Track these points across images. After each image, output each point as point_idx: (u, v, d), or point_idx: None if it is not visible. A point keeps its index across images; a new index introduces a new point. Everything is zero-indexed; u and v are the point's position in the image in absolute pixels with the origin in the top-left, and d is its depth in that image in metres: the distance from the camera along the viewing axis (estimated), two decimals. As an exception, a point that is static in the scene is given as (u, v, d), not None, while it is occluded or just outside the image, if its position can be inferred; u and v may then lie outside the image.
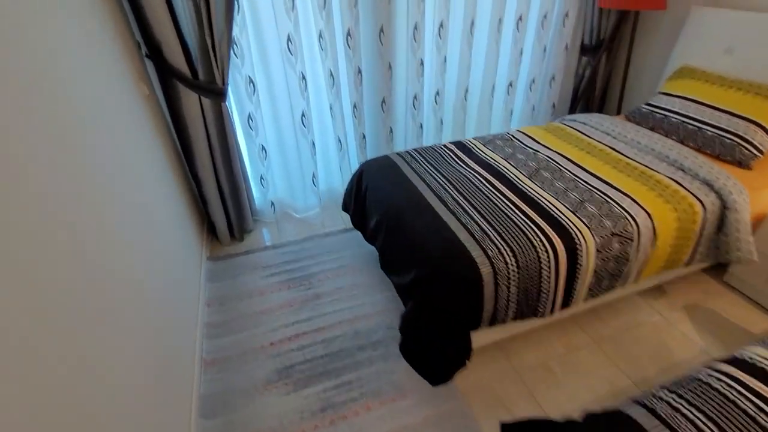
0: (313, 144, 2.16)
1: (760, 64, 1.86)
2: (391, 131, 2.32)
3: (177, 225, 1.70)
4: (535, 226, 1.37)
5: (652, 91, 2.44)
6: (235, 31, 1.79)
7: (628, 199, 1.51)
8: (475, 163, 1.79)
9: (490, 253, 1.27)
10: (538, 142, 1.97)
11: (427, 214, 1.47)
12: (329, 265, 2.04)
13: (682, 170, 1.69)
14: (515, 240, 1.32)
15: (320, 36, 1.92)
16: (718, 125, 1.82)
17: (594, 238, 1.36)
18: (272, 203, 2.30)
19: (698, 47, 2.09)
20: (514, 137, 2.03)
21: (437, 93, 2.31)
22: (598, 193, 1.56)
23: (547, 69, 2.50)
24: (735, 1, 1.97)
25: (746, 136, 1.74)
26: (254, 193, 2.28)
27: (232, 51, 1.81)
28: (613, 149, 1.86)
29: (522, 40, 2.31)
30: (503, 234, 1.34)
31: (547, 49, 2.41)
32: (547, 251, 1.30)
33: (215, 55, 1.71)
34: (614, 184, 1.60)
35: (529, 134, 2.05)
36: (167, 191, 1.67)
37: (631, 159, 1.78)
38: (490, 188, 1.59)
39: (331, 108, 2.13)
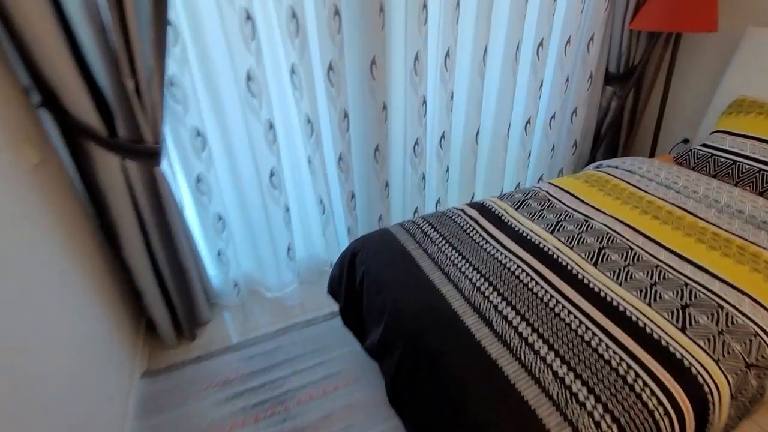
0: (287, 208, 1.65)
1: None
2: (387, 185, 1.84)
3: (89, 336, 1.15)
4: (637, 364, 0.88)
5: (692, 128, 2.05)
6: (173, 69, 1.29)
7: (747, 299, 1.05)
8: (512, 239, 1.30)
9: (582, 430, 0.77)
10: (583, 202, 1.51)
11: (463, 340, 0.96)
12: (313, 375, 1.49)
13: (792, 242, 1.25)
14: (616, 399, 0.82)
15: (292, 71, 1.44)
16: (814, 176, 1.41)
17: (726, 378, 0.88)
18: (235, 283, 1.75)
19: (757, 76, 1.71)
20: (549, 195, 1.56)
21: (443, 136, 1.85)
22: (700, 288, 1.09)
23: (569, 102, 2.09)
24: None
25: None
26: (211, 272, 1.74)
27: (167, 95, 1.30)
28: (684, 209, 1.42)
29: (543, 70, 1.89)
30: (594, 387, 0.84)
31: (570, 78, 2.00)
32: (668, 413, 0.80)
33: (141, 103, 1.19)
34: (714, 271, 1.14)
35: (567, 189, 1.60)
36: (72, 291, 1.13)
37: (715, 225, 1.34)
38: (547, 288, 1.10)
39: (309, 162, 1.63)
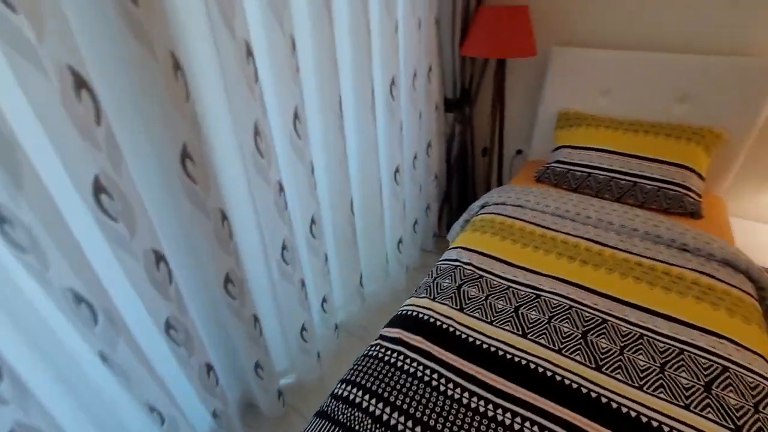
0: None
1: (638, 103, 1.72)
2: (257, 321, 1.19)
3: None
4: None
5: (526, 141, 2.17)
6: None
7: (712, 337, 0.98)
8: (493, 370, 0.92)
9: None
10: (510, 264, 1.28)
11: None
12: None
13: (686, 249, 1.31)
14: None
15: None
16: (654, 176, 1.56)
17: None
18: None
19: (567, 90, 1.87)
20: (475, 267, 1.26)
21: (312, 221, 1.32)
22: (685, 347, 0.97)
23: (423, 137, 1.88)
24: (600, 40, 1.80)
25: (686, 184, 1.53)
26: None
27: None
28: (595, 242, 1.36)
29: (398, 110, 1.58)
30: None
31: (423, 113, 1.78)
32: None
33: None
34: (672, 315, 1.06)
35: (483, 251, 1.34)
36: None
37: (629, 253, 1.31)
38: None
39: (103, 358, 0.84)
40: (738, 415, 0.82)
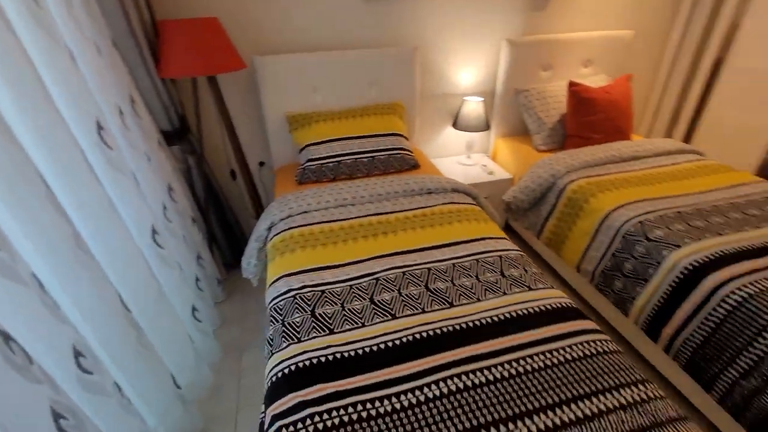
0: None
1: (343, 93, 2.05)
2: None
3: None
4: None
5: (267, 153, 2.16)
6: None
7: (481, 241, 1.41)
8: (395, 362, 0.95)
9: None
10: (340, 266, 1.30)
11: None
12: None
13: (431, 192, 1.73)
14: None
15: None
16: (380, 148, 1.94)
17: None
18: None
19: (284, 94, 1.96)
20: (312, 287, 1.20)
21: (77, 354, 0.86)
22: (477, 256, 1.33)
23: (161, 181, 1.53)
24: (299, 45, 1.94)
25: (401, 146, 1.99)
26: None
27: None
28: (379, 214, 1.58)
29: (122, 158, 1.20)
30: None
31: (150, 155, 1.42)
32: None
33: None
34: (457, 240, 1.42)
35: (308, 268, 1.29)
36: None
37: (403, 211, 1.60)
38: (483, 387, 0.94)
39: None
40: (525, 279, 1.23)
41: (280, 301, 1.18)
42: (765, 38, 2.19)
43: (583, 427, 0.82)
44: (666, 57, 2.61)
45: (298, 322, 1.09)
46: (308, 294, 1.19)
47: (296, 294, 1.19)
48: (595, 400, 0.87)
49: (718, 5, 2.34)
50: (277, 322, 1.12)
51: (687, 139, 2.67)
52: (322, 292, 1.19)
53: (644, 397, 0.88)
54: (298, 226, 1.51)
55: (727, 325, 1.20)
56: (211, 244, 2.02)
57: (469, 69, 2.30)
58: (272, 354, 1.04)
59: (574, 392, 0.89)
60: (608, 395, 0.88)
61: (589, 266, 1.70)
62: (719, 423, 1.29)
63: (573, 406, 0.86)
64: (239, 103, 2.00)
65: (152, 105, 1.60)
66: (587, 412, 0.85)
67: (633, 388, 0.90)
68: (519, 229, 2.31)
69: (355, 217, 1.56)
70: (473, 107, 2.23)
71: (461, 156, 2.51)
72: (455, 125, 2.32)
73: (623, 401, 0.87)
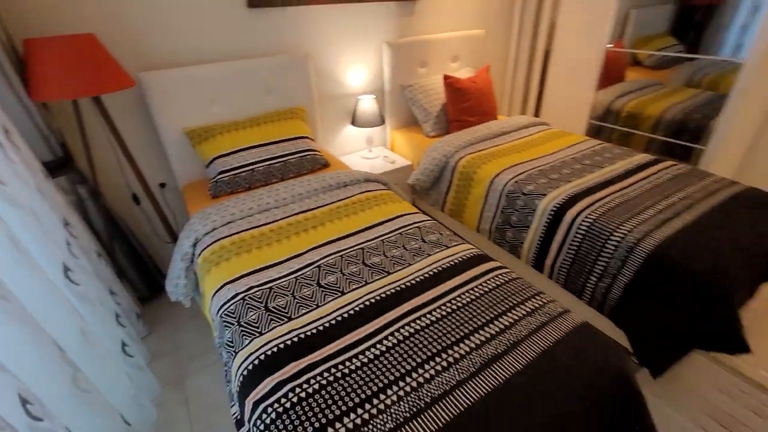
0: None
1: (242, 102, 2.06)
2: None
3: None
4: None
5: (169, 173, 2.05)
6: None
7: (398, 219, 1.62)
8: (352, 329, 1.08)
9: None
10: (279, 263, 1.37)
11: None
12: None
13: (347, 185, 1.89)
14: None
15: None
16: (289, 152, 2.01)
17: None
18: None
19: (179, 109, 1.90)
20: (258, 287, 1.26)
21: (24, 402, 0.81)
22: (400, 230, 1.53)
23: (57, 215, 1.39)
24: (186, 58, 1.88)
25: (309, 147, 2.10)
26: None
27: None
28: (304, 212, 1.68)
29: (17, 194, 1.08)
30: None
31: (41, 189, 1.28)
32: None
33: None
34: (379, 221, 1.61)
35: (248, 271, 1.34)
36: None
37: (326, 204, 1.72)
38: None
39: None
40: (441, 241, 1.47)
41: (230, 306, 1.22)
42: (573, 33, 2.85)
43: (504, 336, 1.07)
44: (510, 51, 3.19)
45: (254, 320, 1.15)
46: (257, 293, 1.24)
47: (245, 296, 1.24)
48: (508, 314, 1.14)
49: (540, 7, 2.96)
50: (233, 325, 1.16)
51: (537, 113, 3.31)
52: (270, 288, 1.26)
53: (540, 303, 1.18)
54: (227, 236, 1.52)
55: (584, 245, 1.61)
56: (121, 278, 1.86)
57: (358, 70, 2.50)
58: (236, 354, 1.09)
59: (493, 314, 1.14)
60: (516, 309, 1.16)
61: (485, 225, 2.05)
62: (593, 321, 1.72)
63: (493, 323, 1.11)
64: (130, 122, 1.87)
65: (29, 134, 1.43)
66: (505, 324, 1.11)
67: (532, 300, 1.20)
68: (425, 207, 2.61)
69: (282, 218, 1.63)
70: (367, 105, 2.44)
71: (363, 151, 2.71)
72: (354, 123, 2.51)
73: (527, 310, 1.15)
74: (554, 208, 1.71)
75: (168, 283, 1.65)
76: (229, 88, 1.99)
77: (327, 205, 1.72)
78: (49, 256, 1.14)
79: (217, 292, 1.30)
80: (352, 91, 2.54)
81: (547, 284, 1.84)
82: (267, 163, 1.94)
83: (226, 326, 1.17)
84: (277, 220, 1.62)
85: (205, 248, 1.50)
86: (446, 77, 2.48)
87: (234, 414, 1.11)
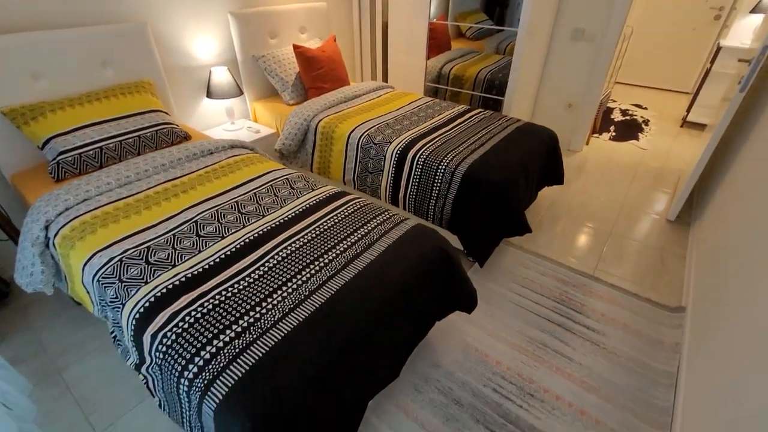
0: None
1: (73, 77, 1.89)
2: None
3: None
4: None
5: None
6: None
7: (264, 176, 1.80)
8: (231, 265, 1.25)
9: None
10: (151, 226, 1.42)
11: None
12: None
13: (212, 152, 1.95)
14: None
15: None
16: (143, 126, 1.95)
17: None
18: None
19: (-15, 87, 1.67)
20: (135, 248, 1.30)
21: None
22: (268, 184, 1.71)
23: None
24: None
25: (165, 120, 2.06)
26: None
27: None
28: (170, 180, 1.71)
29: None
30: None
31: None
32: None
33: None
34: (242, 182, 1.75)
35: (117, 239, 1.36)
36: None
37: (193, 172, 1.78)
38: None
39: None
40: (308, 186, 1.69)
41: (107, 269, 1.25)
42: (404, 7, 3.29)
43: (361, 242, 1.38)
44: (354, 23, 3.50)
45: (136, 274, 1.22)
46: (134, 253, 1.30)
47: (121, 257, 1.28)
48: (364, 228, 1.45)
49: (373, -17, 3.31)
50: (113, 284, 1.21)
51: (385, 78, 3.73)
52: (148, 247, 1.32)
53: (387, 217, 1.53)
54: (85, 213, 1.48)
55: (423, 176, 2.04)
56: None
57: (206, 41, 2.48)
58: (123, 305, 1.15)
59: (352, 228, 1.44)
60: (369, 223, 1.48)
61: (350, 176, 2.36)
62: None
63: (353, 236, 1.41)
64: None
65: None
66: (361, 234, 1.42)
67: (381, 216, 1.53)
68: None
69: (148, 188, 1.64)
70: (221, 75, 2.46)
71: (226, 124, 2.72)
72: (209, 95, 2.50)
73: (377, 222, 1.49)
74: (399, 151, 2.10)
75: (19, 275, 1.52)
76: (54, 61, 1.81)
77: (195, 171, 1.78)
78: None
79: (88, 262, 1.30)
80: (203, 63, 2.51)
81: (404, 215, 2.26)
82: (117, 138, 1.86)
83: (107, 286, 1.21)
84: (142, 191, 1.62)
85: (61, 227, 1.44)
86: (296, 47, 2.64)
87: (131, 362, 1.18)
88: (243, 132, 2.60)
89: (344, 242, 1.37)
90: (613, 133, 3.83)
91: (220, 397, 0.91)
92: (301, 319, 1.08)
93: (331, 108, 2.55)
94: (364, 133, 2.25)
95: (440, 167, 1.98)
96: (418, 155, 2.05)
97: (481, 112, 2.56)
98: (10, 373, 1.43)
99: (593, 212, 2.62)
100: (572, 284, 2.03)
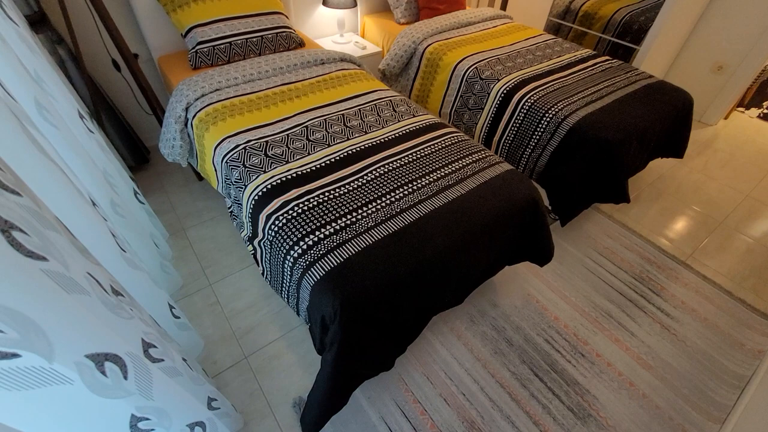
0: None
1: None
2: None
3: None
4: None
5: (142, 43, 2.04)
6: None
7: (373, 93, 1.84)
8: (337, 170, 1.38)
9: (497, 159, 1.49)
10: (269, 124, 1.59)
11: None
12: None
13: (324, 62, 2.03)
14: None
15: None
16: (266, 27, 2.07)
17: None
18: None
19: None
20: (256, 140, 1.49)
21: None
22: (373, 101, 1.77)
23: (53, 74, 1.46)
24: None
25: (285, 24, 2.15)
26: None
27: None
28: (287, 83, 1.84)
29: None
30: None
31: (34, 44, 1.33)
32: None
33: None
34: (356, 93, 1.82)
35: (243, 129, 1.55)
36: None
37: (306, 79, 1.89)
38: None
39: None
40: (410, 111, 1.73)
41: (233, 154, 1.46)
42: None
43: (454, 174, 1.42)
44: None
45: (257, 163, 1.41)
46: (255, 145, 1.48)
47: (245, 146, 1.47)
48: (458, 162, 1.48)
49: None
50: (239, 167, 1.42)
51: (504, 7, 3.39)
52: (266, 142, 1.50)
53: (482, 156, 1.53)
54: (217, 101, 1.68)
55: (525, 123, 1.95)
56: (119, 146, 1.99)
57: (329, -57, 2.42)
58: (245, 187, 1.36)
59: (447, 161, 1.48)
60: (465, 159, 1.50)
61: (447, 109, 2.32)
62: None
63: (447, 167, 1.45)
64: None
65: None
66: (455, 168, 1.45)
67: (477, 153, 1.54)
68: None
69: (267, 89, 1.79)
70: (340, -16, 2.43)
71: (335, 35, 2.75)
72: (325, 3, 2.51)
73: (473, 159, 1.50)
74: (505, 91, 2.00)
75: (163, 146, 1.82)
76: (198, -49, 1.93)
77: (307, 79, 1.89)
78: (65, 102, 1.28)
79: (218, 145, 1.52)
80: (323, -32, 2.48)
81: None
82: (244, 36, 2.00)
83: (233, 168, 1.43)
84: (261, 90, 1.78)
85: (198, 111, 1.66)
86: (419, -41, 2.48)
87: (244, 234, 1.43)
88: (350, 46, 2.62)
89: (438, 172, 1.43)
90: (766, 110, 3.19)
91: (318, 277, 1.09)
92: (390, 231, 1.20)
93: (441, 33, 2.44)
94: (473, 65, 2.15)
95: (546, 115, 1.87)
96: (525, 99, 1.94)
97: (608, 60, 2.27)
98: (156, 221, 1.80)
99: (707, 196, 2.33)
100: (658, 265, 1.92)
